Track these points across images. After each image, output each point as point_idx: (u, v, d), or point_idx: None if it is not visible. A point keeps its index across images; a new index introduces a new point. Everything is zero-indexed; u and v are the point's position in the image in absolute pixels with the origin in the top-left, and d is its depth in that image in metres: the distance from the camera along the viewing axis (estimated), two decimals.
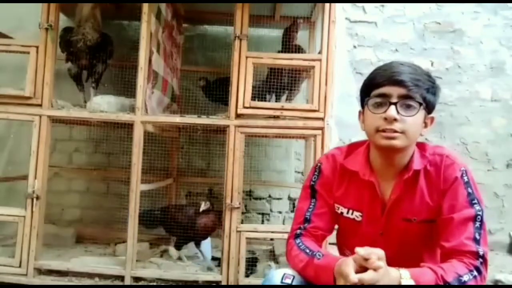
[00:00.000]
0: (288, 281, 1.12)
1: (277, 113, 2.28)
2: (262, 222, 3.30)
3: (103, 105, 2.38)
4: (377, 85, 1.09)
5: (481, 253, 1.02)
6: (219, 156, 2.86)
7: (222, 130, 2.37)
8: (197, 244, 2.53)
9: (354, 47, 3.37)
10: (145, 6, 2.29)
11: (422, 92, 1.07)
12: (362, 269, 0.96)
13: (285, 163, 3.34)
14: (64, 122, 2.59)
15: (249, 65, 2.27)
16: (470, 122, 3.35)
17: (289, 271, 1.15)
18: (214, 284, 2.26)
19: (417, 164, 1.13)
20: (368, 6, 3.39)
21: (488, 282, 2.42)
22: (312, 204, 1.24)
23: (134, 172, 2.27)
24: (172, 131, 2.97)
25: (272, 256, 2.74)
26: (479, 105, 3.35)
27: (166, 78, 2.73)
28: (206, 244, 2.61)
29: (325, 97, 2.26)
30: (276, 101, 2.59)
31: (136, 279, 2.27)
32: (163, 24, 2.57)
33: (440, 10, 3.38)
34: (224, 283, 2.23)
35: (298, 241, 1.20)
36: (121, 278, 2.26)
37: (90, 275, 2.28)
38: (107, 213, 3.03)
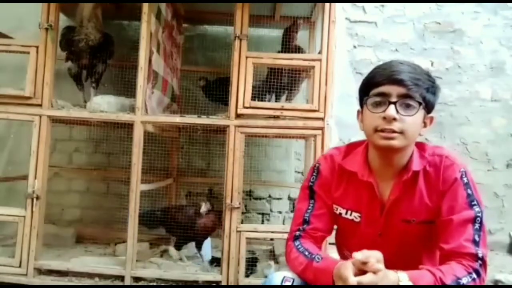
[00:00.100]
0: (288, 283, 1.12)
1: (277, 113, 2.28)
2: (262, 222, 3.30)
3: (103, 105, 2.38)
4: (376, 84, 1.08)
5: (480, 255, 1.01)
6: (219, 156, 2.86)
7: (222, 130, 2.37)
8: (198, 246, 2.53)
9: (354, 47, 3.37)
10: (145, 6, 2.29)
11: (422, 92, 1.06)
12: (361, 272, 0.95)
13: (285, 163, 3.34)
14: (64, 122, 2.59)
15: (249, 65, 2.27)
16: (470, 122, 3.35)
17: (288, 273, 1.15)
18: (214, 284, 2.26)
19: (416, 165, 1.12)
20: (368, 6, 3.39)
21: (488, 282, 2.42)
22: (311, 205, 1.23)
23: (134, 172, 2.27)
24: (172, 131, 2.97)
25: (272, 256, 2.74)
26: (479, 105, 3.35)
27: (166, 78, 2.73)
28: (206, 244, 2.61)
29: (325, 97, 2.26)
30: (276, 101, 2.59)
31: (136, 279, 2.28)
32: (163, 24, 2.57)
33: (440, 10, 3.38)
34: (224, 283, 2.23)
35: (297, 243, 1.19)
36: (121, 278, 2.26)
37: (90, 275, 2.28)
38: (107, 213, 3.03)
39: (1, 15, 2.94)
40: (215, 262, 2.47)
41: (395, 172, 1.14)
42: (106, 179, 3.21)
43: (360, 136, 1.21)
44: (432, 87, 1.09)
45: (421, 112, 1.08)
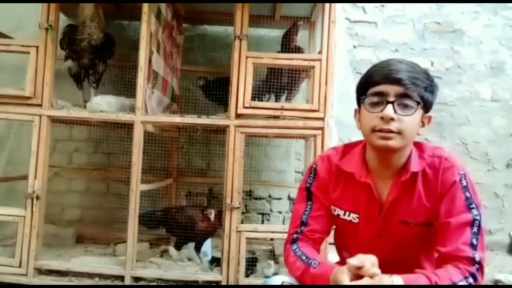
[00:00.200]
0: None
1: (277, 113, 2.28)
2: (262, 222, 3.30)
3: (103, 105, 2.38)
4: (374, 83, 1.07)
5: (477, 259, 1.00)
6: (219, 156, 2.86)
7: (222, 130, 2.37)
8: (197, 248, 2.53)
9: (354, 47, 3.37)
10: (145, 6, 2.29)
11: (420, 91, 1.04)
12: (357, 277, 0.95)
13: (285, 163, 3.34)
14: (64, 122, 2.59)
15: (249, 65, 2.27)
16: (470, 122, 3.35)
17: (287, 278, 1.15)
18: (214, 284, 2.26)
19: (415, 166, 1.11)
20: (368, 6, 3.39)
21: (488, 282, 2.42)
22: (309, 206, 1.22)
23: (134, 172, 2.27)
24: (172, 131, 2.97)
25: (272, 256, 2.74)
26: (479, 105, 3.35)
27: (166, 78, 2.73)
28: (206, 244, 2.61)
29: (325, 97, 2.26)
30: (276, 101, 2.59)
31: (136, 279, 2.28)
32: (163, 24, 2.57)
33: (440, 10, 3.38)
34: (224, 283, 2.23)
35: (294, 247, 1.18)
36: (121, 278, 2.26)
37: (90, 275, 2.28)
38: (107, 213, 3.03)
39: (1, 15, 2.94)
40: (215, 262, 2.47)
41: (393, 172, 1.13)
42: (106, 179, 3.21)
43: (360, 136, 1.20)
44: (430, 86, 1.07)
45: (419, 112, 1.06)
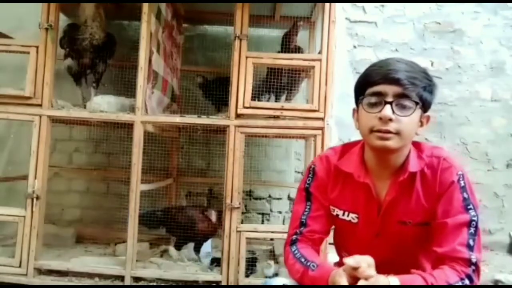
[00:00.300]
0: None
1: (277, 113, 2.28)
2: (262, 222, 3.30)
3: (103, 105, 2.38)
4: (372, 83, 1.06)
5: (473, 260, 1.00)
6: (219, 156, 2.86)
7: (222, 130, 2.37)
8: (197, 249, 2.52)
9: (354, 47, 3.37)
10: (145, 6, 2.30)
11: (419, 91, 1.03)
12: (354, 279, 0.95)
13: (285, 163, 3.34)
14: (64, 122, 2.59)
15: (249, 65, 2.27)
16: (470, 122, 3.35)
17: (287, 281, 1.15)
18: (214, 284, 2.26)
19: (413, 166, 1.10)
20: (368, 6, 3.39)
21: (488, 282, 2.42)
22: (308, 207, 1.21)
23: (134, 172, 2.27)
24: (172, 131, 2.97)
25: (272, 256, 2.74)
26: (479, 105, 3.35)
27: (166, 78, 2.73)
28: (206, 245, 2.61)
29: (325, 97, 2.26)
30: (275, 101, 2.59)
31: (136, 279, 2.28)
32: (163, 24, 2.57)
33: (440, 10, 3.38)
34: (224, 283, 2.23)
35: (293, 248, 1.18)
36: (121, 278, 2.26)
37: (90, 275, 2.28)
38: (107, 213, 3.02)
39: (1, 15, 2.94)
40: (215, 262, 2.47)
41: (392, 172, 1.13)
42: (106, 179, 3.21)
43: (359, 136, 1.20)
44: (429, 86, 1.07)
45: (418, 112, 1.06)
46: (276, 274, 2.33)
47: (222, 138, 2.43)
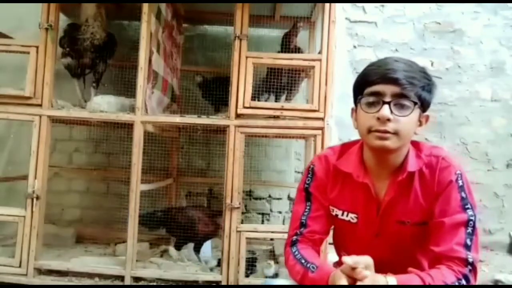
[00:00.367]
0: None
1: (277, 113, 2.28)
2: (262, 222, 3.30)
3: (103, 105, 2.38)
4: (370, 83, 1.05)
5: (470, 260, 1.00)
6: (219, 156, 2.86)
7: (222, 130, 2.37)
8: (197, 249, 2.52)
9: (354, 47, 3.37)
10: (145, 6, 2.30)
11: (417, 91, 1.03)
12: (353, 279, 0.95)
13: (285, 163, 3.34)
14: (64, 122, 2.59)
15: (249, 65, 2.27)
16: (470, 122, 3.35)
17: (287, 282, 1.15)
18: (214, 284, 2.26)
19: (412, 166, 1.10)
20: (368, 6, 3.39)
21: (488, 282, 2.42)
22: (307, 207, 1.21)
23: (134, 172, 2.27)
24: (172, 131, 2.97)
25: (272, 256, 2.74)
26: (479, 105, 3.35)
27: (166, 78, 2.73)
28: (206, 245, 2.61)
29: (325, 97, 2.26)
30: (275, 102, 2.59)
31: (136, 279, 2.28)
32: (163, 24, 2.57)
33: (440, 10, 3.38)
34: (224, 283, 2.23)
35: (294, 249, 1.18)
36: (121, 278, 2.26)
37: (90, 275, 2.28)
38: (107, 213, 3.02)
39: (1, 15, 2.94)
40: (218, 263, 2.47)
41: (391, 172, 1.13)
42: (106, 179, 3.21)
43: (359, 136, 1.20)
44: (428, 85, 1.06)
45: (416, 112, 1.05)
46: (276, 274, 2.33)
47: (222, 138, 2.43)
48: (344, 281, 0.95)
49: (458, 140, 3.34)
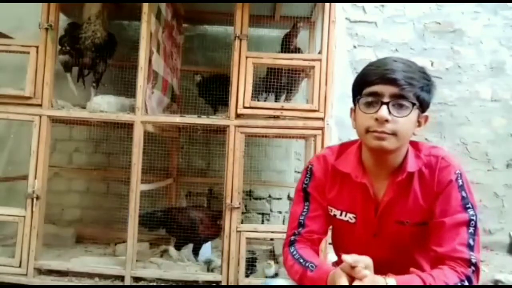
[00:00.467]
0: None
1: (277, 113, 2.28)
2: (262, 222, 3.30)
3: (103, 105, 2.38)
4: (368, 83, 1.04)
5: (473, 260, 0.99)
6: (219, 156, 2.86)
7: (222, 130, 2.37)
8: (195, 252, 2.52)
9: (354, 47, 3.37)
10: (145, 6, 2.30)
11: (416, 91, 1.02)
12: (352, 278, 0.95)
13: (285, 163, 3.34)
14: (64, 122, 2.59)
15: (249, 65, 2.27)
16: (470, 122, 3.35)
17: (286, 282, 1.15)
18: (214, 284, 2.26)
19: (411, 166, 1.09)
20: (368, 6, 3.39)
21: (488, 282, 2.42)
22: (306, 207, 1.21)
23: (134, 172, 2.27)
24: (172, 131, 2.97)
25: (272, 256, 2.74)
26: (479, 105, 3.35)
27: (166, 78, 2.73)
28: (206, 246, 2.61)
29: (325, 97, 2.26)
30: (275, 102, 2.59)
31: (136, 279, 2.28)
32: (163, 24, 2.57)
33: (440, 10, 3.38)
34: (224, 283, 2.23)
35: (292, 249, 1.17)
36: (121, 278, 2.26)
37: (90, 275, 2.28)
38: (107, 213, 3.03)
39: (1, 15, 2.94)
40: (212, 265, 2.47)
41: (390, 172, 1.12)
42: (106, 179, 3.22)
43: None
44: (427, 86, 1.05)
45: (415, 112, 1.04)
46: (276, 274, 2.33)
47: (222, 138, 2.43)
48: (344, 280, 0.95)
49: (458, 140, 3.34)
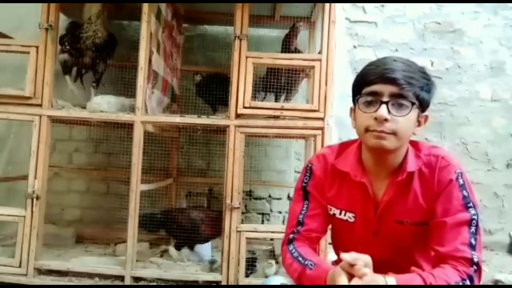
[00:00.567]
0: None
1: (277, 113, 2.28)
2: (262, 222, 3.30)
3: (103, 105, 2.38)
4: (368, 83, 1.05)
5: (475, 260, 0.99)
6: (219, 156, 2.86)
7: (222, 130, 2.37)
8: (191, 247, 2.52)
9: (354, 47, 3.37)
10: (145, 6, 2.30)
11: (416, 91, 1.02)
12: (351, 276, 0.94)
13: (285, 163, 3.34)
14: (64, 122, 2.59)
15: (249, 65, 2.27)
16: (470, 122, 3.35)
17: (285, 280, 1.15)
18: (214, 284, 2.26)
19: (411, 166, 1.10)
20: (368, 6, 3.39)
21: (488, 282, 2.42)
22: (305, 206, 1.21)
23: (134, 172, 2.27)
24: (172, 131, 2.97)
25: (272, 256, 2.74)
26: (479, 105, 3.35)
27: (166, 78, 2.73)
28: (206, 247, 2.61)
29: (325, 97, 2.26)
30: (275, 101, 2.59)
31: (136, 279, 2.27)
32: (163, 24, 2.57)
33: (440, 10, 3.38)
34: (224, 283, 2.23)
35: (291, 247, 1.18)
36: (121, 278, 2.26)
37: (90, 275, 2.28)
38: (107, 213, 3.02)
39: (1, 15, 2.94)
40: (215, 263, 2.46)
41: (389, 172, 1.12)
42: (106, 179, 3.21)
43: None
44: (426, 85, 1.05)
45: (415, 112, 1.04)
46: (276, 274, 2.33)
47: (222, 138, 2.43)
48: (343, 278, 0.95)
49: (458, 140, 3.34)
